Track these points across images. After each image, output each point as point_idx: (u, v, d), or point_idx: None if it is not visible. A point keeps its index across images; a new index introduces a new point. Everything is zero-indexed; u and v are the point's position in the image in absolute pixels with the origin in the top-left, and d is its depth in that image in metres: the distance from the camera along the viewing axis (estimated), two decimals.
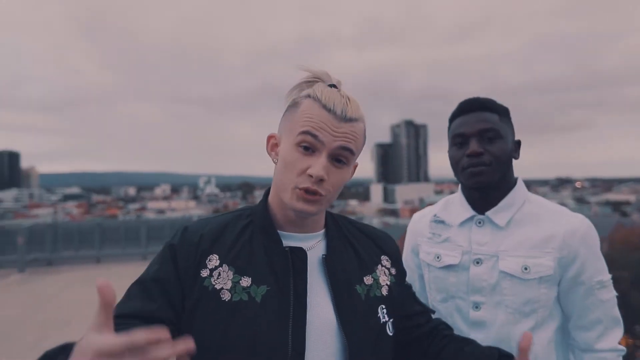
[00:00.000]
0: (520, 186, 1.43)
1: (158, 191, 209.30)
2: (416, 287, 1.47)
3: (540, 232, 1.35)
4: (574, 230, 1.33)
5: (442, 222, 1.49)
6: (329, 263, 0.91)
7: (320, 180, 0.84)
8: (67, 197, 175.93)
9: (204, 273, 0.86)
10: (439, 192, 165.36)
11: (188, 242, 0.89)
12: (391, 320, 0.94)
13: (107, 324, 0.55)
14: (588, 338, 1.35)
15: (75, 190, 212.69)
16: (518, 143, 1.46)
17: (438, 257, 1.44)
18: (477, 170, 1.32)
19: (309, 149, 0.85)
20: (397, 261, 1.06)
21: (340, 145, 0.85)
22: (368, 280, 0.94)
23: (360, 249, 0.99)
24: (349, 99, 0.89)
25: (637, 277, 25.84)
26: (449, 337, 1.04)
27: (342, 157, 0.87)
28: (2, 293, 10.63)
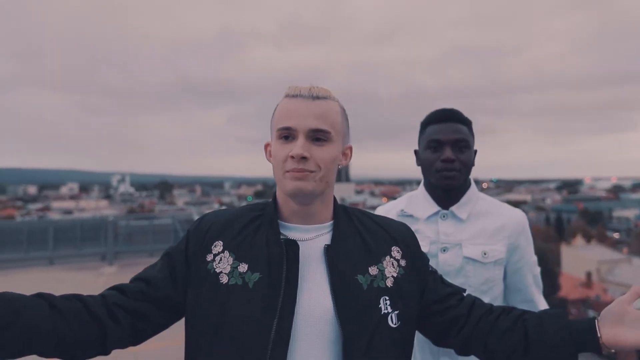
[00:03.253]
0: (473, 186, 1.63)
1: (64, 190, 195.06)
2: None
3: (494, 224, 1.55)
4: (518, 222, 1.56)
5: (410, 216, 1.60)
6: (330, 253, 0.94)
7: (303, 158, 0.89)
8: None
9: (209, 257, 0.94)
10: (359, 192, 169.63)
11: (200, 229, 1.00)
12: (396, 312, 0.94)
13: None
14: (530, 307, 1.51)
15: None
16: (475, 152, 1.63)
17: None
18: (450, 175, 1.50)
19: (287, 137, 0.93)
20: (410, 252, 1.06)
21: (312, 126, 0.91)
22: (373, 270, 0.96)
23: (369, 239, 1.01)
24: (316, 86, 0.97)
25: None
26: (489, 314, 1.04)
27: (319, 136, 0.92)
28: None
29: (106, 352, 0.92)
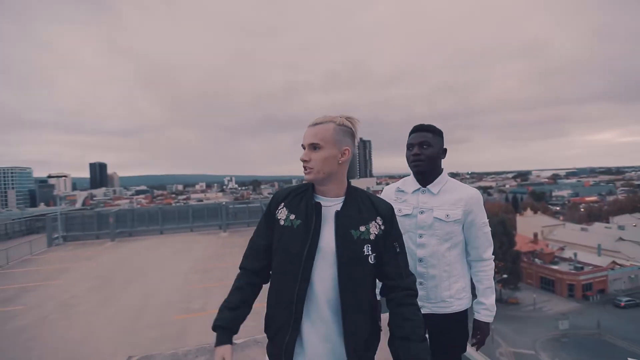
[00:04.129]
0: (444, 172, 1.60)
1: (197, 187, 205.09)
2: None
3: (455, 196, 1.53)
4: (472, 196, 1.52)
5: (402, 191, 1.63)
6: (338, 215, 1.04)
7: (305, 161, 1.04)
8: (138, 192, 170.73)
9: (277, 211, 1.10)
10: (379, 183, 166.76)
11: (275, 197, 1.15)
12: (374, 254, 1.04)
13: None
14: (478, 253, 1.55)
15: (143, 187, 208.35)
16: (445, 150, 1.61)
17: (400, 210, 1.55)
18: (417, 164, 1.54)
19: (304, 148, 1.07)
20: (387, 221, 1.09)
21: (309, 142, 1.05)
22: (362, 228, 1.04)
23: (363, 209, 1.08)
24: (320, 117, 1.09)
25: (495, 232, 27.57)
26: (404, 306, 1.06)
27: (315, 145, 1.04)
28: (102, 253, 10.84)
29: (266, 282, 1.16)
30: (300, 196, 1.10)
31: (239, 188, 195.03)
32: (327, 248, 1.01)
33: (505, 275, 30.43)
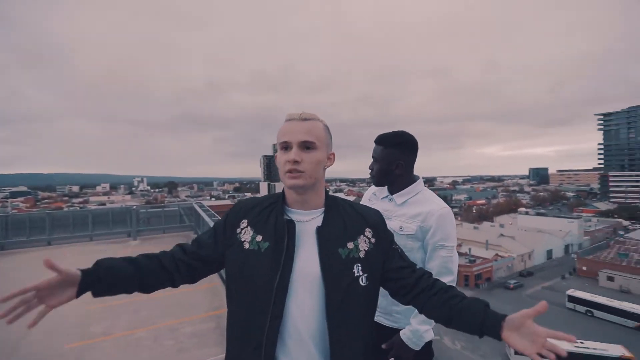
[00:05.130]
0: (418, 182, 1.52)
1: (99, 189, 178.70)
2: None
3: (415, 210, 1.46)
4: (432, 212, 1.41)
5: (375, 195, 1.65)
6: (320, 232, 0.90)
7: (296, 162, 0.88)
8: (15, 194, 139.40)
9: (238, 230, 0.93)
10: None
11: (235, 210, 0.98)
12: (365, 275, 0.90)
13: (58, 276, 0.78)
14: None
15: (22, 188, 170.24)
16: (399, 165, 1.50)
17: None
18: (373, 180, 1.57)
19: (286, 148, 0.90)
20: (379, 232, 0.98)
21: (301, 139, 0.89)
22: (350, 245, 0.91)
23: (348, 221, 0.95)
24: (305, 112, 0.94)
25: None
26: (432, 287, 0.95)
27: (308, 145, 0.89)
28: None
29: (175, 286, 0.97)
30: (269, 210, 0.94)
31: (152, 190, 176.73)
32: (309, 274, 0.86)
33: None
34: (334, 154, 0.98)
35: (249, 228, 0.92)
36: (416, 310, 1.34)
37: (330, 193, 1.02)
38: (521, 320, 0.79)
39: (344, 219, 0.95)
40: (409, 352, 1.40)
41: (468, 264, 37.77)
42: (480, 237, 46.55)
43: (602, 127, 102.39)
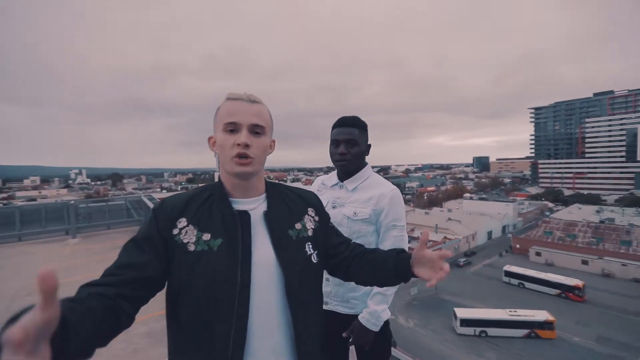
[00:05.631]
0: (367, 168, 1.54)
1: (27, 182, 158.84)
2: None
3: (367, 195, 1.48)
4: (384, 194, 1.46)
5: (324, 184, 1.61)
6: (268, 217, 0.88)
7: (246, 146, 0.83)
8: None
9: (175, 232, 0.81)
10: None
11: (164, 210, 0.84)
12: (316, 252, 0.92)
13: (49, 305, 0.44)
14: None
15: None
16: (369, 146, 1.54)
17: None
18: (343, 163, 1.48)
19: (233, 130, 0.84)
20: (319, 210, 1.01)
21: (253, 122, 0.85)
22: (298, 226, 0.92)
23: (291, 204, 0.96)
24: (251, 93, 0.89)
25: None
26: (361, 253, 1.00)
27: (257, 130, 0.86)
28: None
29: (129, 326, 0.74)
30: (209, 203, 0.86)
31: (93, 183, 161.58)
32: (266, 262, 0.84)
33: None
34: (274, 141, 0.96)
35: (190, 227, 0.82)
36: (372, 291, 1.45)
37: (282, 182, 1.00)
38: (419, 254, 0.87)
39: (286, 202, 0.95)
40: (369, 335, 1.42)
41: None
42: (431, 222, 49.81)
43: (533, 120, 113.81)
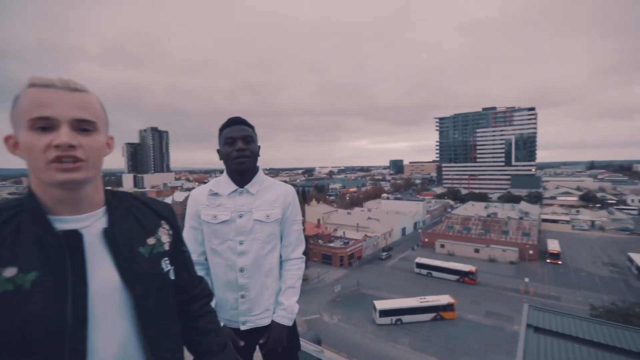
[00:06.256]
0: (260, 170, 1.52)
1: None
2: (199, 237, 1.46)
3: (273, 195, 1.47)
4: (287, 193, 1.50)
5: (216, 194, 1.46)
6: (110, 235, 0.72)
7: (71, 147, 0.64)
8: None
9: None
10: (178, 179, 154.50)
11: None
12: (173, 267, 0.82)
13: None
14: (287, 252, 1.51)
15: None
16: (259, 147, 1.51)
17: (215, 217, 1.41)
18: (243, 160, 1.39)
19: (45, 128, 0.63)
20: (173, 223, 0.88)
21: (76, 117, 0.65)
22: (151, 240, 0.79)
23: (141, 217, 0.81)
24: (69, 78, 0.68)
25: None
26: (200, 310, 0.94)
27: (86, 126, 0.67)
28: None
29: None
30: (13, 226, 0.64)
31: None
32: (109, 290, 0.69)
33: None
34: (112, 138, 0.78)
35: None
36: (283, 287, 1.49)
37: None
38: None
39: (134, 214, 0.80)
40: (285, 333, 1.45)
41: (343, 246, 42.30)
42: (352, 221, 52.78)
43: (438, 128, 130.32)
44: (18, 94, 0.65)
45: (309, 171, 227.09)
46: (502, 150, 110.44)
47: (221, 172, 1.59)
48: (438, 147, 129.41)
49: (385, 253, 44.70)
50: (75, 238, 0.67)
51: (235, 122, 1.44)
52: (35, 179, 0.67)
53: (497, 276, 35.82)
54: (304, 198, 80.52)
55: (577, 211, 67.80)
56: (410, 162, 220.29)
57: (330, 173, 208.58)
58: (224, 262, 1.42)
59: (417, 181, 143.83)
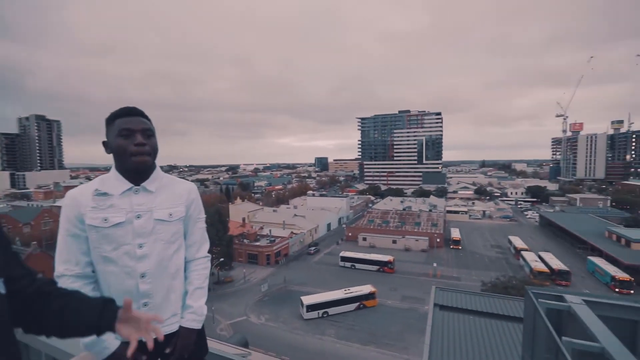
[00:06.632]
0: (158, 167, 1.42)
1: None
2: (83, 246, 1.28)
3: (175, 192, 1.41)
4: (190, 190, 1.46)
5: (104, 194, 1.30)
6: None
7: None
8: None
9: None
10: (74, 177, 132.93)
11: None
12: (1, 279, 0.75)
13: None
14: (192, 251, 1.46)
15: None
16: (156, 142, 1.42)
17: (106, 220, 1.26)
18: (143, 158, 1.29)
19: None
20: None
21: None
22: None
23: None
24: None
25: (212, 221, 30.82)
26: (49, 293, 0.87)
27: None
28: None
29: None
30: None
31: None
32: None
33: (222, 259, 34.23)
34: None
35: None
36: (190, 289, 1.42)
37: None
38: (124, 313, 0.88)
39: None
40: (193, 337, 1.39)
41: (269, 244, 41.97)
42: (278, 219, 52.67)
43: (360, 127, 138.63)
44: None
45: (233, 168, 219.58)
46: (415, 150, 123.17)
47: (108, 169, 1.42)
48: (360, 146, 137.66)
49: (313, 248, 46.03)
50: None
51: (133, 112, 1.32)
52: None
53: (411, 263, 39.94)
54: (227, 196, 77.92)
55: (473, 203, 79.88)
56: (334, 160, 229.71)
57: (256, 170, 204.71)
58: (119, 270, 1.28)
59: (341, 178, 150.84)
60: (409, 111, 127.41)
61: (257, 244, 42.51)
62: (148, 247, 1.30)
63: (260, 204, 70.84)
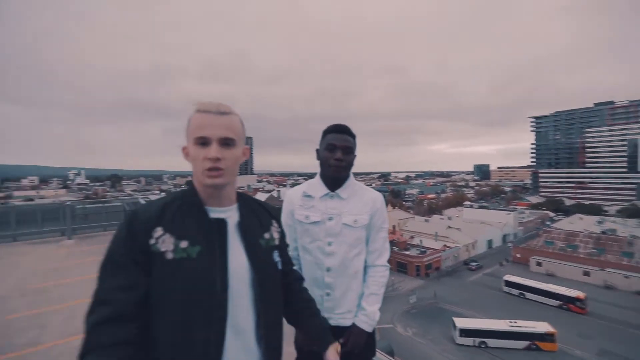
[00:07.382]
0: (352, 176, 1.57)
1: (25, 182, 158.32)
2: (293, 234, 1.57)
3: (362, 201, 1.52)
4: (376, 199, 1.54)
5: (309, 196, 1.54)
6: (242, 227, 0.94)
7: (217, 159, 0.85)
8: None
9: (152, 241, 0.82)
10: (260, 181, 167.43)
11: (138, 220, 0.84)
12: (280, 259, 1.02)
13: None
14: (372, 258, 1.54)
15: None
16: (355, 156, 1.55)
17: (307, 217, 1.50)
18: (338, 170, 1.46)
19: (203, 144, 0.86)
20: (280, 225, 1.09)
21: (222, 135, 0.86)
22: (267, 235, 0.99)
23: (260, 215, 1.02)
24: (220, 103, 0.91)
25: None
26: (297, 291, 1.15)
27: (228, 142, 0.88)
28: None
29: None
30: (183, 211, 0.88)
31: (92, 184, 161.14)
32: (241, 269, 0.90)
33: None
34: (248, 148, 1.01)
35: (167, 236, 0.83)
36: (366, 292, 1.52)
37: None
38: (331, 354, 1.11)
39: (255, 213, 1.01)
40: (363, 337, 1.47)
41: (419, 255, 40.06)
42: (430, 229, 49.57)
43: (534, 128, 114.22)
44: (190, 117, 0.89)
45: (384, 176, 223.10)
46: (624, 154, 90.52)
47: (299, 175, 1.70)
48: (534, 150, 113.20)
49: (475, 263, 41.46)
50: (222, 225, 0.90)
51: (340, 130, 1.49)
52: (195, 179, 0.92)
53: (617, 307, 29.38)
54: None
55: None
56: (498, 168, 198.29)
57: (407, 178, 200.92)
58: (313, 260, 1.51)
59: (507, 189, 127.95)
60: (612, 102, 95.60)
61: (407, 253, 41.32)
62: (335, 246, 1.47)
63: (411, 212, 68.73)
